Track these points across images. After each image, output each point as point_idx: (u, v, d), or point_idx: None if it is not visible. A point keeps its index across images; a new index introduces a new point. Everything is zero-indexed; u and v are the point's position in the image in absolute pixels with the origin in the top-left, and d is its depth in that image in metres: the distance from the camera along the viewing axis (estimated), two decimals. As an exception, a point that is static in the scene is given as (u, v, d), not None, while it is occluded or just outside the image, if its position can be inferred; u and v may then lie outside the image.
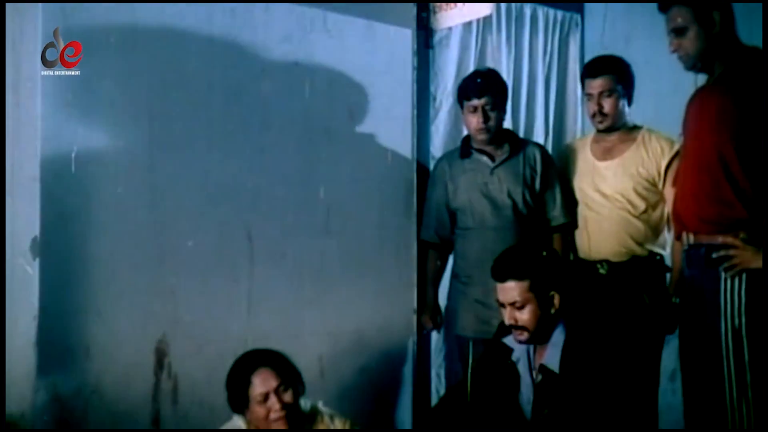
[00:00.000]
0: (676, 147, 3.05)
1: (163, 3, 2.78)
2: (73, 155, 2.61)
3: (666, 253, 3.22)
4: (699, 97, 2.75)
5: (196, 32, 2.87)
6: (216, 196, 2.91)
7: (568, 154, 3.41)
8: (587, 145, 3.32)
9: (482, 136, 3.23)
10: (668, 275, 3.20)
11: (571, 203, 3.29)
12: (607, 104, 3.18)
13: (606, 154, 3.24)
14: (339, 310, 3.22)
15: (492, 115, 3.19)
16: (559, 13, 4.07)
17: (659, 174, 3.15)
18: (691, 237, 2.73)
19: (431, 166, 3.51)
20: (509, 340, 2.67)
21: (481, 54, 3.80)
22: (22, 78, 2.61)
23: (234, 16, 2.95)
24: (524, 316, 2.57)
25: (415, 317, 3.44)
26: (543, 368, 2.58)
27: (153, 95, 2.77)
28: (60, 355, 2.59)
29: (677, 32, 2.66)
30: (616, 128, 3.22)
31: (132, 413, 2.73)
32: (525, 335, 2.58)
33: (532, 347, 2.65)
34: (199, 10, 2.87)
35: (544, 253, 2.73)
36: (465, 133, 3.38)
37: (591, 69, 3.25)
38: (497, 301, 2.64)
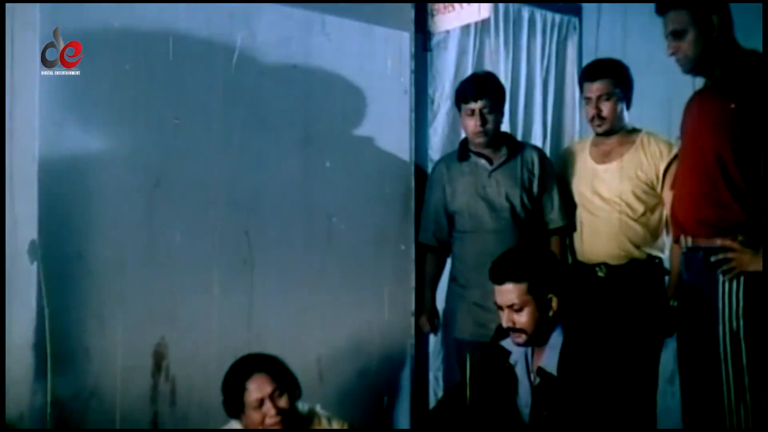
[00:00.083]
0: (675, 150, 3.05)
1: (162, 4, 2.78)
2: (71, 157, 2.61)
3: (665, 256, 3.22)
4: (697, 100, 2.76)
5: (195, 34, 2.87)
6: (215, 198, 2.91)
7: (567, 157, 3.42)
8: (586, 148, 3.32)
9: (480, 140, 3.23)
10: (667, 278, 3.20)
11: (569, 206, 3.30)
12: (606, 108, 3.18)
13: (605, 157, 3.25)
14: (337, 312, 3.22)
15: (490, 118, 3.19)
16: (557, 17, 4.07)
17: (658, 177, 3.15)
18: (690, 240, 2.73)
19: (429, 169, 3.51)
20: (507, 343, 2.68)
21: (479, 57, 3.79)
22: (21, 78, 2.61)
23: (232, 18, 2.95)
24: (522, 318, 2.57)
25: (413, 320, 3.44)
26: (541, 371, 2.58)
27: (152, 97, 2.77)
28: (58, 357, 2.58)
29: (675, 35, 2.67)
30: (614, 131, 3.22)
31: (130, 415, 2.72)
32: (523, 338, 2.58)
33: (530, 350, 2.65)
34: (197, 13, 2.87)
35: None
36: (463, 136, 3.38)
37: (589, 72, 3.25)
38: (495, 303, 2.64)
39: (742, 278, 2.56)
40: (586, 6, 4.14)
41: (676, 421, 2.98)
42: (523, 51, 3.95)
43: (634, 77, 3.24)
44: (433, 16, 3.58)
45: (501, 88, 3.30)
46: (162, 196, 2.79)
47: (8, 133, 2.58)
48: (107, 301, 2.67)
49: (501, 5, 3.81)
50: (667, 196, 3.04)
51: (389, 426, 3.42)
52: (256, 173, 3.01)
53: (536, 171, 3.27)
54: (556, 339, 2.58)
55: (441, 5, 3.53)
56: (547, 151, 3.81)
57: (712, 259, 2.60)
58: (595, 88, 3.19)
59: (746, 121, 2.55)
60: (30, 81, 2.57)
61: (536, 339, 2.59)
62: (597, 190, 3.23)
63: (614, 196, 3.19)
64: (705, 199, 2.64)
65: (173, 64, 2.82)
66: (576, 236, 3.30)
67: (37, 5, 2.55)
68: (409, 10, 3.47)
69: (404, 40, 3.44)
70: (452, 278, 3.38)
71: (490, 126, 3.20)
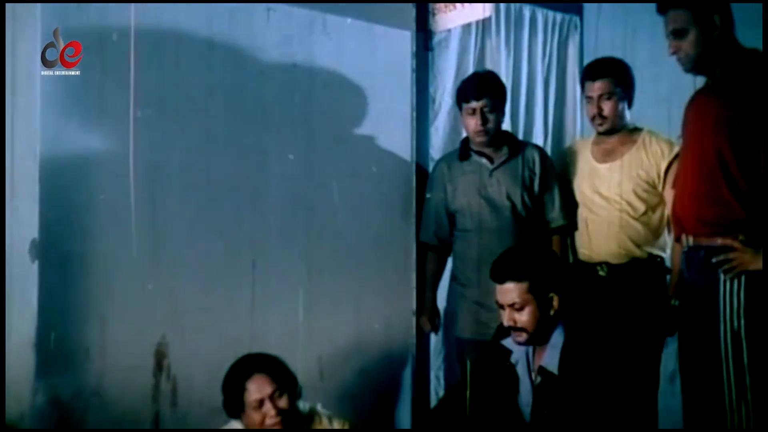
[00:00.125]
0: (676, 149, 3.05)
1: (162, 3, 2.78)
2: (72, 156, 2.61)
3: (666, 255, 3.22)
4: (698, 99, 2.76)
5: (196, 34, 2.87)
6: (216, 197, 2.91)
7: (569, 155, 3.42)
8: (588, 147, 3.32)
9: (481, 138, 3.23)
10: (668, 277, 3.20)
11: (570, 205, 3.29)
12: (607, 107, 3.18)
13: (606, 156, 3.24)
14: (338, 312, 3.22)
15: (491, 117, 3.19)
16: (558, 15, 4.08)
17: (659, 176, 3.15)
18: (691, 239, 2.73)
19: (430, 168, 3.51)
20: (508, 342, 2.67)
21: (480, 56, 3.80)
22: (21, 78, 2.61)
23: (233, 17, 2.95)
24: (523, 317, 2.56)
25: (414, 319, 3.44)
26: (542, 370, 2.58)
27: (152, 97, 2.77)
28: (59, 356, 2.58)
29: (676, 34, 2.66)
30: (616, 130, 3.22)
31: (131, 415, 2.72)
32: (524, 336, 2.58)
33: (531, 349, 2.65)
34: (198, 12, 2.87)
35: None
36: (464, 135, 3.38)
37: (591, 71, 3.25)
38: (496, 302, 2.64)
39: (743, 277, 2.56)
40: (587, 5, 4.15)
41: (677, 420, 2.97)
42: (524, 50, 3.96)
43: (635, 76, 3.23)
44: (434, 15, 3.58)
45: (502, 87, 3.30)
46: (162, 196, 2.79)
47: (9, 132, 2.59)
48: (108, 300, 2.67)
49: (502, 4, 3.82)
50: (669, 195, 3.04)
51: (390, 425, 3.41)
52: (257, 173, 3.01)
53: (537, 170, 3.27)
54: (557, 338, 2.58)
55: (442, 4, 3.54)
56: (548, 150, 3.81)
57: (714, 260, 2.60)
58: (597, 87, 3.18)
59: (747, 120, 2.54)
60: (30, 81, 2.57)
61: (537, 338, 2.58)
62: (598, 189, 3.23)
63: (615, 195, 3.19)
64: (706, 198, 2.64)
65: (175, 64, 2.82)
66: (577, 235, 3.30)
67: (38, 5, 2.55)
68: (410, 9, 3.47)
69: (405, 39, 3.43)
70: (453, 277, 3.38)
71: (491, 125, 3.20)
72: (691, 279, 2.76)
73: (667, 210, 3.12)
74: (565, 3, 4.08)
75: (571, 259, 3.34)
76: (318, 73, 3.17)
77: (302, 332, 3.11)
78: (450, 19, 3.56)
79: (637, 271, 3.17)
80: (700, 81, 2.80)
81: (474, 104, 3.17)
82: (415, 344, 3.46)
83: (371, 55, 3.32)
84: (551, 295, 2.57)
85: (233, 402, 2.49)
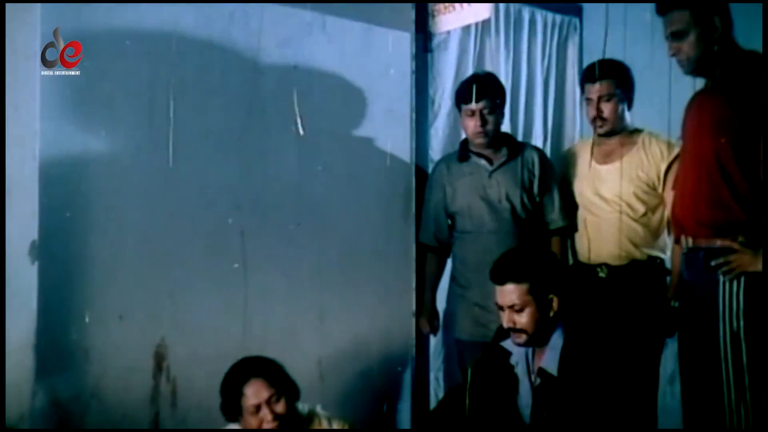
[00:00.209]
0: (676, 150, 3.05)
1: (162, 4, 2.78)
2: (71, 157, 2.61)
3: (666, 256, 3.22)
4: (697, 100, 2.76)
5: (195, 35, 2.87)
6: (215, 199, 2.91)
7: (569, 157, 3.42)
8: (587, 149, 3.32)
9: (480, 140, 3.23)
10: (668, 279, 3.20)
11: (569, 206, 3.30)
12: (607, 109, 3.18)
13: (606, 158, 3.24)
14: (337, 313, 3.21)
15: (490, 118, 3.19)
16: (558, 17, 4.07)
17: (659, 177, 3.15)
18: (690, 240, 2.74)
19: (430, 170, 3.51)
20: (508, 344, 2.67)
21: (480, 57, 3.79)
22: (21, 79, 2.61)
23: (232, 18, 2.95)
24: (523, 319, 2.56)
25: (413, 320, 3.44)
26: (541, 371, 2.58)
27: (152, 98, 2.77)
28: (59, 358, 2.58)
29: (676, 36, 2.67)
30: (616, 132, 3.22)
31: (131, 416, 2.72)
32: (523, 338, 2.58)
33: (530, 350, 2.65)
34: (197, 13, 2.87)
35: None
36: (464, 136, 3.38)
37: (590, 73, 3.25)
38: (496, 304, 2.64)
39: (742, 279, 2.56)
40: (586, 6, 4.14)
41: (676, 422, 2.98)
42: (523, 51, 3.95)
43: (635, 78, 3.23)
44: (433, 16, 3.57)
45: (501, 89, 3.31)
46: (162, 196, 2.79)
47: (8, 133, 2.58)
48: (107, 301, 2.67)
49: (501, 5, 3.81)
50: (669, 196, 3.04)
51: (390, 426, 3.41)
52: (256, 173, 3.01)
53: (537, 171, 3.27)
54: (556, 340, 2.58)
55: (441, 6, 3.53)
56: (548, 152, 3.81)
57: (713, 262, 2.61)
58: (597, 89, 3.19)
59: (746, 122, 2.55)
60: (30, 81, 2.57)
61: (537, 339, 2.58)
62: (598, 191, 3.23)
63: (615, 197, 3.19)
64: (705, 200, 2.64)
65: (174, 65, 2.82)
66: (577, 237, 3.30)
67: (37, 5, 2.55)
68: (409, 11, 3.47)
69: (405, 40, 3.44)
70: (453, 279, 3.37)
71: (490, 127, 3.20)
72: (691, 280, 2.76)
73: (667, 211, 3.12)
74: (565, 4, 4.08)
75: (570, 261, 3.34)
76: (317, 74, 3.17)
77: (302, 333, 3.11)
78: (449, 21, 3.56)
79: (636, 272, 3.17)
80: (699, 82, 2.80)
81: (473, 106, 3.17)
82: (415, 346, 3.46)
83: (371, 56, 3.32)
84: (551, 296, 2.57)
85: (231, 406, 2.49)
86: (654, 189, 3.17)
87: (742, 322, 2.55)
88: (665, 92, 3.47)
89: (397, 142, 3.40)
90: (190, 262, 2.85)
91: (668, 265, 3.21)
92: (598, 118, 3.20)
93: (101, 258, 2.66)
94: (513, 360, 2.67)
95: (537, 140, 3.94)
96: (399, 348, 3.41)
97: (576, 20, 4.13)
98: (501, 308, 2.61)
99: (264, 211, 3.02)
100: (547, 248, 3.26)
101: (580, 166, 3.32)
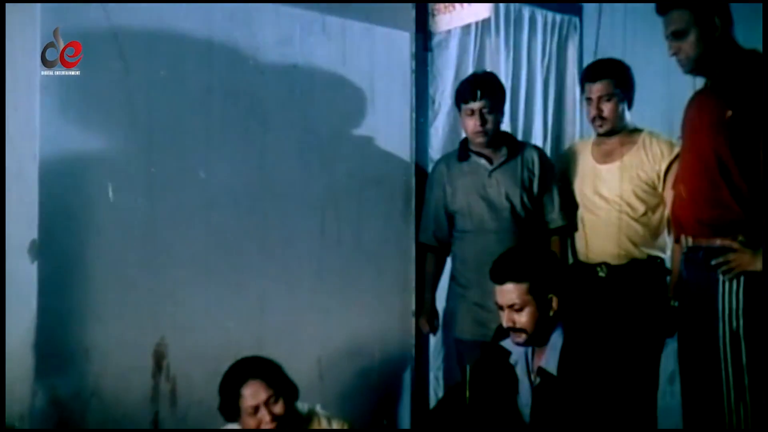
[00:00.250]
0: (676, 150, 3.05)
1: (162, 3, 2.78)
2: (71, 157, 2.61)
3: (666, 256, 3.22)
4: (697, 100, 2.76)
5: (195, 34, 2.87)
6: (214, 198, 2.91)
7: (569, 157, 3.42)
8: (588, 148, 3.32)
9: (480, 139, 3.23)
10: (668, 278, 3.20)
11: (569, 206, 3.30)
12: (607, 108, 3.18)
13: (606, 157, 3.24)
14: (337, 313, 3.22)
15: (489, 118, 3.19)
16: (558, 16, 4.07)
17: (659, 177, 3.15)
18: (690, 240, 2.74)
19: (430, 169, 3.51)
20: (507, 343, 2.67)
21: (480, 57, 3.79)
22: (21, 79, 2.61)
23: (233, 18, 2.95)
24: (522, 318, 2.56)
25: (413, 320, 3.44)
26: (541, 371, 2.58)
27: (152, 97, 2.77)
28: (59, 357, 2.58)
29: (677, 35, 2.66)
30: (616, 131, 3.22)
31: (131, 415, 2.72)
32: (523, 337, 2.58)
33: (530, 350, 2.65)
34: (198, 12, 2.87)
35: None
36: (463, 135, 3.38)
37: (590, 73, 3.25)
38: (496, 303, 2.64)
39: (742, 278, 2.56)
40: (586, 6, 4.14)
41: (676, 421, 2.98)
42: (523, 51, 3.94)
43: (635, 77, 3.23)
44: (433, 15, 3.57)
45: (501, 88, 3.30)
46: (162, 196, 2.79)
47: (8, 133, 2.59)
48: (107, 301, 2.67)
49: (501, 5, 3.81)
50: (669, 195, 3.04)
51: (390, 426, 3.41)
52: (256, 173, 3.01)
53: (536, 171, 3.27)
54: (556, 339, 2.58)
55: (441, 5, 3.53)
56: (548, 151, 3.81)
57: (713, 261, 2.61)
58: (596, 88, 3.18)
59: (746, 121, 2.55)
60: (30, 81, 2.57)
61: (536, 339, 2.58)
62: (598, 190, 3.23)
63: (615, 196, 3.19)
64: (705, 199, 2.64)
65: (174, 65, 2.82)
66: (577, 236, 3.30)
67: (37, 5, 2.55)
68: (409, 10, 3.47)
69: (405, 39, 3.44)
70: (452, 278, 3.37)
71: (490, 126, 3.20)
72: (691, 280, 2.76)
73: (667, 211, 3.12)
74: (565, 4, 4.08)
75: (570, 260, 3.34)
76: (318, 74, 3.17)
77: (301, 333, 3.11)
78: (449, 20, 3.56)
79: (636, 272, 3.17)
80: (699, 82, 2.80)
81: (473, 105, 3.17)
82: (415, 345, 3.46)
83: (371, 55, 3.32)
84: (551, 296, 2.57)
85: (229, 407, 2.49)
86: (654, 188, 3.17)
87: (741, 322, 2.56)
88: (665, 92, 3.48)
89: (396, 141, 3.41)
90: (190, 262, 2.85)
91: (668, 264, 3.21)
92: (598, 117, 3.20)
93: (101, 256, 2.66)
94: (513, 359, 2.67)
95: (537, 140, 3.94)
96: (398, 347, 3.41)
97: (576, 20, 4.13)
98: (501, 308, 2.61)
99: (263, 210, 3.02)
100: (546, 248, 3.26)
101: (580, 166, 3.32)
